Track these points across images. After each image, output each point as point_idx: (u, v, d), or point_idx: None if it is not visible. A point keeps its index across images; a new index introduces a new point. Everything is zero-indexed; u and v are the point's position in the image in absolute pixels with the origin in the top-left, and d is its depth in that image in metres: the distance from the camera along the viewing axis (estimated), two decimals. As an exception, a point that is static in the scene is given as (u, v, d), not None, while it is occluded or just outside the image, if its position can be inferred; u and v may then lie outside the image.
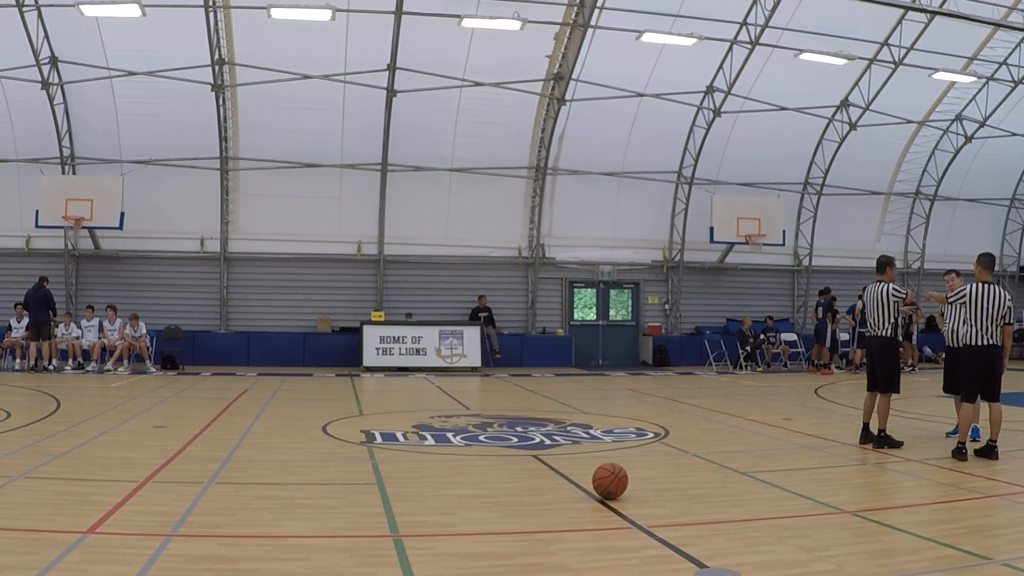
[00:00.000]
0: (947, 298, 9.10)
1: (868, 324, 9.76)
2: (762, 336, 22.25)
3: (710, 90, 22.05)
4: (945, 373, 9.75)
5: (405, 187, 22.40)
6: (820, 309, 21.81)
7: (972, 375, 8.76)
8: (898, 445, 9.18)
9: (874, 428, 9.45)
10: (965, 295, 8.77)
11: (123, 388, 15.53)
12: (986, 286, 8.75)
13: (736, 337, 22.21)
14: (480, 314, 21.92)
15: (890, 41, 21.08)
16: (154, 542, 5.33)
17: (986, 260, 8.97)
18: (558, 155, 22.86)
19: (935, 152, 25.12)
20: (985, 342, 8.66)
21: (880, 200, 25.72)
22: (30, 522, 5.76)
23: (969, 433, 8.85)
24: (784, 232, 23.83)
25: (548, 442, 9.59)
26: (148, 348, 19.49)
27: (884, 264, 9.72)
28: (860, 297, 20.40)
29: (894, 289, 9.52)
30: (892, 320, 9.49)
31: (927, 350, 23.63)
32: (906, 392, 10.88)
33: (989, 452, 8.56)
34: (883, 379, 9.47)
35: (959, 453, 8.55)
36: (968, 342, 8.76)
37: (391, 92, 20.57)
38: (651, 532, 5.75)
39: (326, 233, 22.35)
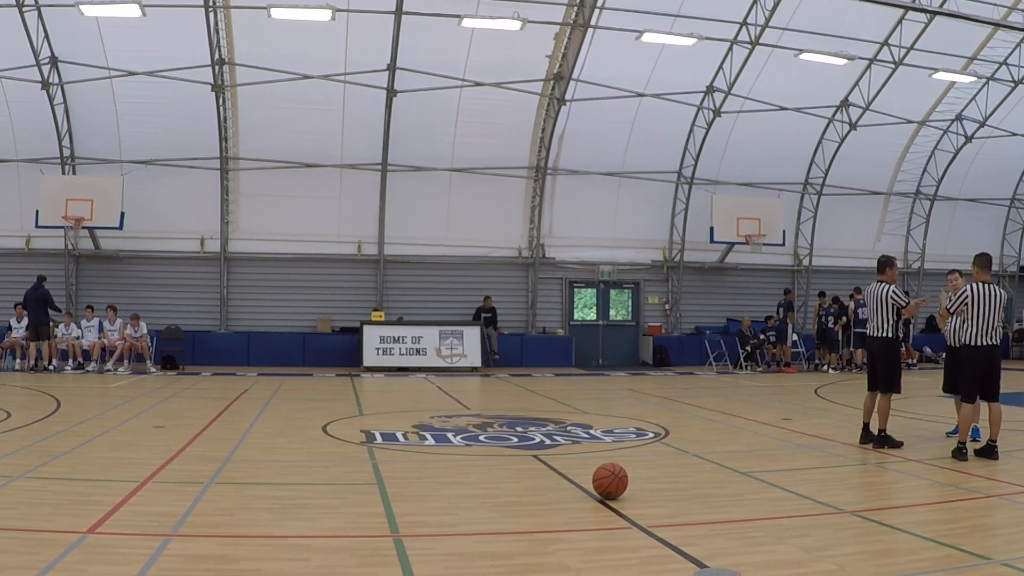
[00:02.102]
0: (948, 310, 8.98)
1: (868, 324, 9.71)
2: (762, 336, 22.24)
3: (710, 90, 22.05)
4: (946, 373, 9.74)
5: (405, 187, 22.40)
6: (780, 309, 21.93)
7: (971, 375, 8.73)
8: (898, 445, 9.17)
9: (874, 428, 9.45)
10: (967, 296, 8.71)
11: (123, 388, 15.53)
12: (986, 286, 8.72)
13: (736, 337, 22.23)
14: (484, 314, 21.91)
15: (890, 41, 21.08)
16: (154, 542, 5.33)
17: (983, 260, 8.91)
18: (558, 155, 22.86)
19: (935, 152, 25.11)
20: (985, 342, 8.64)
21: (880, 200, 25.72)
22: (30, 522, 5.76)
23: (969, 433, 8.84)
24: (784, 232, 23.83)
25: (548, 442, 9.59)
26: (149, 348, 19.50)
27: (884, 264, 9.64)
28: (851, 297, 20.57)
29: (894, 292, 9.43)
30: (892, 321, 9.45)
31: (927, 350, 23.63)
32: (906, 392, 10.86)
33: (989, 452, 8.56)
34: (883, 379, 9.45)
35: (959, 453, 8.55)
36: (967, 341, 8.73)
37: (391, 92, 20.56)
38: (651, 532, 5.75)
39: (326, 233, 22.35)
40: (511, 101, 21.70)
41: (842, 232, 25.10)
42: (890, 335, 9.45)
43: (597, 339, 24.07)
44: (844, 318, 21.26)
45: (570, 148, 22.72)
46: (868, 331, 9.73)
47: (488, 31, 19.44)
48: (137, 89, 20.20)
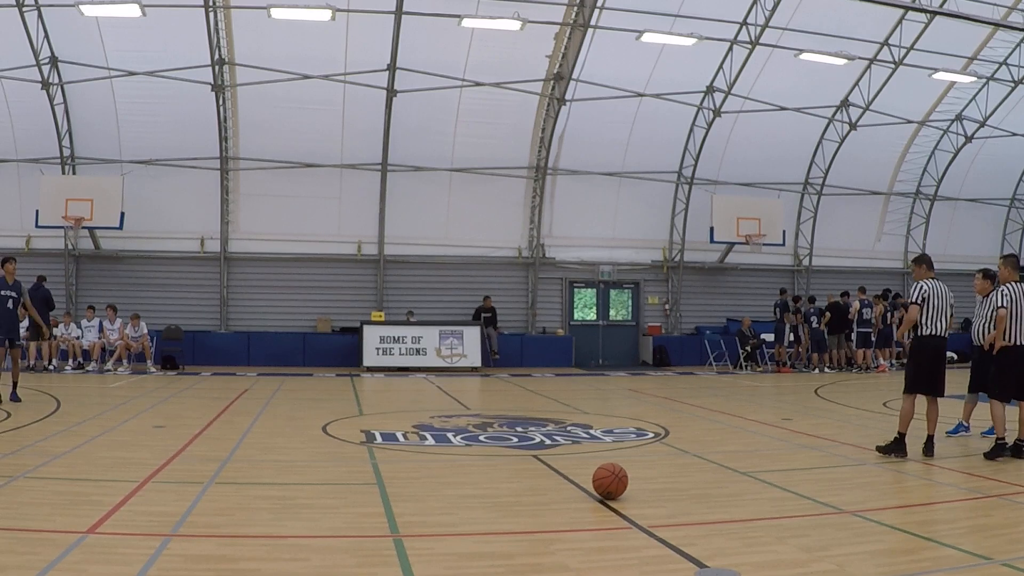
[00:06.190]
0: (999, 307, 8.72)
1: (929, 325, 8.79)
2: (762, 336, 22.22)
3: (710, 90, 22.06)
4: (972, 372, 9.63)
5: (405, 187, 22.41)
6: (777, 310, 21.90)
7: (1014, 374, 8.58)
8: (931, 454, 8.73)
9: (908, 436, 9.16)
10: (1007, 298, 8.60)
11: (123, 388, 15.53)
12: (1018, 285, 8.68)
13: (736, 337, 22.22)
14: (483, 314, 21.91)
15: (890, 41, 21.09)
16: (154, 542, 5.33)
17: (1012, 260, 8.91)
18: (558, 155, 22.86)
19: (935, 152, 25.13)
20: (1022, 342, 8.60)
21: (880, 200, 25.73)
22: (30, 522, 5.75)
23: (1003, 428, 8.57)
24: (784, 232, 23.84)
25: (548, 442, 9.59)
26: (150, 347, 19.49)
27: (931, 262, 9.18)
28: (879, 297, 20.45)
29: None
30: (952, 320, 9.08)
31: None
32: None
33: (1018, 451, 8.45)
34: (941, 383, 8.88)
35: (1020, 451, 8.36)
36: (1012, 342, 8.60)
37: (391, 92, 20.57)
38: (651, 532, 5.75)
39: (326, 233, 22.36)
40: (511, 101, 21.71)
41: (842, 232, 25.12)
42: (948, 334, 9.02)
43: (597, 339, 24.08)
44: (827, 314, 21.17)
45: (570, 148, 22.73)
46: (930, 331, 8.79)
47: (488, 31, 19.45)
48: (137, 89, 20.20)
